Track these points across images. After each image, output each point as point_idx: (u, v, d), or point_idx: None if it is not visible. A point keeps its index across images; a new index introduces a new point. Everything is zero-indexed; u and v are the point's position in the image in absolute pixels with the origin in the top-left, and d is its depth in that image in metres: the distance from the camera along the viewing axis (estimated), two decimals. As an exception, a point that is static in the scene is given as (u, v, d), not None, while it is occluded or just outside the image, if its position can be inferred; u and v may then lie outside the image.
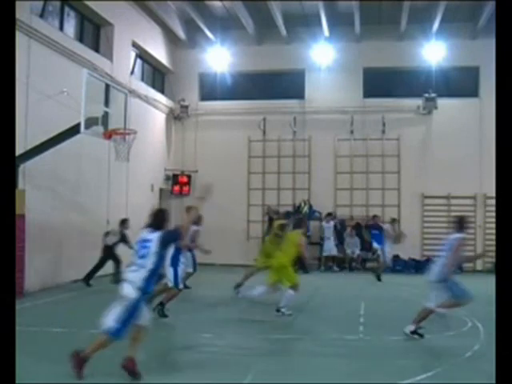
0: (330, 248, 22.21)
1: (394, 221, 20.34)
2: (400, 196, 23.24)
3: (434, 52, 22.99)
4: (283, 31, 23.27)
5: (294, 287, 12.03)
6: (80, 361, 6.90)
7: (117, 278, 16.36)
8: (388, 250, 19.37)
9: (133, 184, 20.36)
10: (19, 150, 11.76)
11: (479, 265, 22.38)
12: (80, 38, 18.48)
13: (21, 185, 13.40)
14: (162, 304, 11.34)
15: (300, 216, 13.89)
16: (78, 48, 17.30)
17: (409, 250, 22.01)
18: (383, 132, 23.23)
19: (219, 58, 23.90)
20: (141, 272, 6.92)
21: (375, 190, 23.22)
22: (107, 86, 14.36)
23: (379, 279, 18.80)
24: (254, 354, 8.55)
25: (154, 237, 7.03)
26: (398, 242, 19.79)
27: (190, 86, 24.96)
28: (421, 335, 9.56)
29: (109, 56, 19.28)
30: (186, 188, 23.89)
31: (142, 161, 20.69)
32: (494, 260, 22.76)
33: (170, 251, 10.79)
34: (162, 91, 24.24)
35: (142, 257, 7.01)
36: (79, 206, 17.41)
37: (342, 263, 21.98)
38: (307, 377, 7.32)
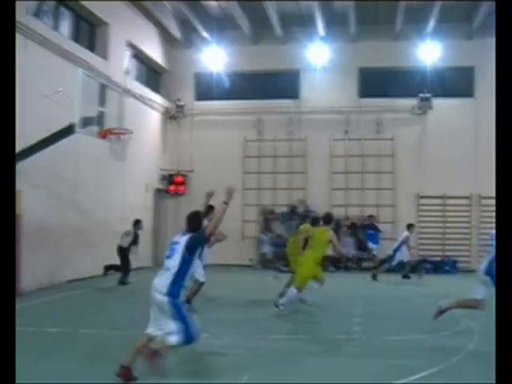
0: None
1: (411, 226, 19.87)
2: (395, 196, 23.27)
3: (429, 52, 23.04)
4: (279, 31, 23.29)
5: (320, 280, 12.29)
6: (155, 359, 6.65)
7: (124, 280, 16.45)
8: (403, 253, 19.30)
9: (128, 184, 20.37)
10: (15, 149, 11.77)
11: (475, 265, 22.36)
12: (75, 37, 18.46)
13: (17, 184, 13.36)
14: (188, 301, 11.18)
15: (329, 212, 13.81)
16: (73, 48, 17.28)
17: (404, 250, 22.02)
18: (378, 132, 23.30)
19: (215, 57, 23.89)
20: (166, 276, 6.73)
21: (370, 190, 23.26)
22: (103, 86, 14.34)
23: (375, 279, 18.82)
24: (251, 354, 8.53)
25: (183, 240, 6.87)
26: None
27: (186, 85, 24.96)
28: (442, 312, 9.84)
29: (104, 56, 19.27)
30: (181, 188, 23.89)
31: (138, 160, 20.66)
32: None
33: None
34: (157, 91, 24.21)
35: (168, 257, 6.86)
36: (76, 205, 17.39)
37: (337, 263, 22.01)
38: (304, 377, 7.30)
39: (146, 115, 22.62)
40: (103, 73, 17.94)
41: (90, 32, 19.49)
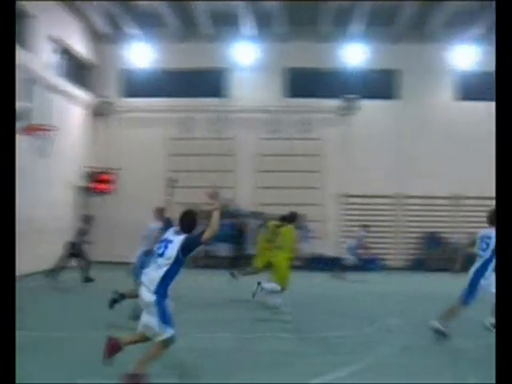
0: None
1: (366, 226, 20.36)
2: (322, 195, 23.55)
3: (356, 54, 23.55)
4: (207, 29, 23.24)
5: (282, 285, 12.38)
6: (138, 379, 6.42)
7: (86, 276, 16.02)
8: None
9: (53, 181, 19.89)
10: None
11: (400, 262, 22.92)
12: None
13: None
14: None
15: (293, 211, 13.75)
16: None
17: (332, 248, 22.39)
18: (306, 132, 23.51)
19: (143, 54, 23.67)
20: (157, 272, 6.58)
21: (298, 189, 23.44)
22: (26, 80, 13.97)
23: (339, 277, 19.03)
24: (207, 354, 8.40)
25: (177, 239, 6.69)
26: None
27: (114, 82, 24.58)
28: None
29: (28, 49, 18.73)
30: (107, 186, 23.51)
31: (63, 158, 20.22)
32: (413, 257, 23.48)
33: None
34: (84, 87, 23.73)
35: (160, 255, 6.66)
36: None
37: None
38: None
39: (72, 111, 22.16)
40: (27, 67, 17.43)
41: (13, 24, 18.89)
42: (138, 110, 24.10)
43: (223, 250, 22.22)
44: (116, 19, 22.85)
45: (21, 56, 17.69)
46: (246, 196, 23.30)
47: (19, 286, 14.96)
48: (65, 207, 20.51)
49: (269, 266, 12.97)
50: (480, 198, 23.77)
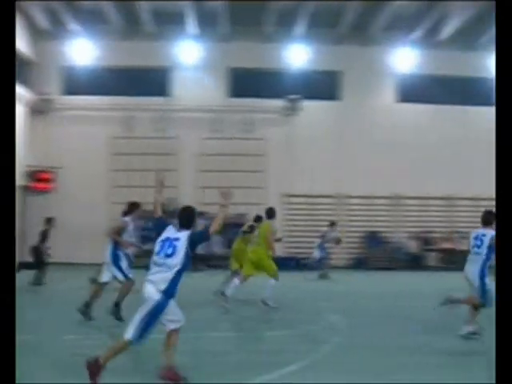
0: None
1: (333, 224, 20.50)
2: (265, 195, 23.61)
3: (299, 55, 23.77)
4: (151, 28, 23.08)
5: (275, 276, 12.24)
6: (97, 369, 6.27)
7: (38, 279, 15.70)
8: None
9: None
10: None
11: (342, 260, 23.12)
12: None
13: None
14: (117, 305, 10.50)
15: (271, 207, 13.65)
16: None
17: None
18: (249, 131, 23.59)
19: (85, 51, 23.34)
20: (166, 273, 6.44)
21: (241, 189, 23.40)
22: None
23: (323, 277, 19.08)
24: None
25: (182, 235, 6.56)
26: (338, 244, 20.36)
27: (55, 79, 24.15)
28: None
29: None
30: (47, 185, 23.09)
31: None
32: (355, 256, 23.79)
33: (109, 248, 10.55)
34: (23, 84, 23.16)
35: (168, 256, 6.50)
36: None
37: (207, 261, 21.98)
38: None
39: (10, 108, 21.64)
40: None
41: None
42: (79, 108, 23.74)
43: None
44: (57, 15, 22.45)
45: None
46: (188, 195, 23.14)
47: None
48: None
49: (241, 267, 12.97)
50: (420, 197, 24.36)
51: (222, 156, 23.53)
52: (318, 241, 20.13)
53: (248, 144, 23.54)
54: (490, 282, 8.88)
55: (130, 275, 10.65)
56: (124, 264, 10.69)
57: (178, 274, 6.47)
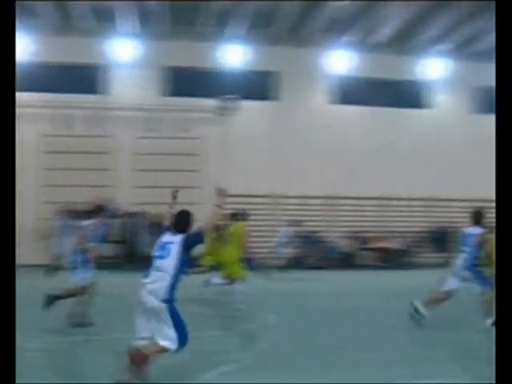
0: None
1: (297, 223, 20.90)
2: (201, 194, 23.48)
3: (235, 55, 23.76)
4: (86, 23, 22.66)
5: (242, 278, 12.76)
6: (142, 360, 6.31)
7: None
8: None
9: None
10: None
11: (277, 261, 23.18)
12: None
13: None
14: (79, 312, 10.24)
15: (243, 209, 13.75)
16: None
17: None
18: (185, 131, 23.44)
19: (17, 46, 22.67)
20: (162, 279, 6.45)
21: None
22: None
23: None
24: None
25: (176, 239, 6.59)
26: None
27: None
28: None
29: None
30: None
31: None
32: (289, 256, 23.89)
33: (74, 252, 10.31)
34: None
35: (161, 257, 6.55)
36: None
37: (140, 261, 21.69)
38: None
39: None
40: None
41: None
42: (10, 105, 23.08)
43: (109, 250, 21.68)
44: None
45: None
46: (124, 195, 22.86)
47: None
48: None
49: (217, 264, 13.06)
50: (355, 198, 24.71)
51: (157, 155, 23.29)
52: (277, 240, 20.34)
53: (184, 143, 23.38)
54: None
55: (89, 282, 10.41)
56: (85, 270, 10.39)
57: (175, 277, 6.48)
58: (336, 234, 24.39)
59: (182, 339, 6.44)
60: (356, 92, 25.36)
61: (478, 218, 10.16)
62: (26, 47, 22.63)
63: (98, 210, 10.78)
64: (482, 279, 9.81)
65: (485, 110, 26.77)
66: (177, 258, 6.51)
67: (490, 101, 26.74)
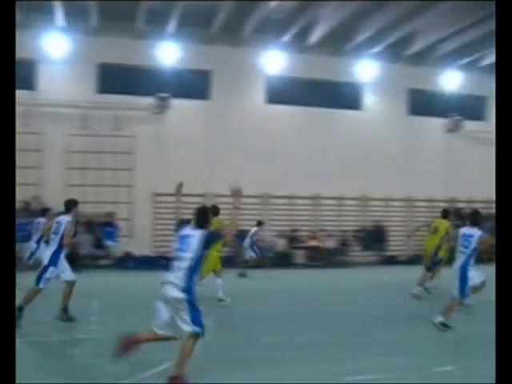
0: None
1: (260, 223, 20.98)
2: (133, 193, 23.32)
3: (170, 53, 23.62)
4: (16, 17, 22.06)
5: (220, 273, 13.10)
6: (181, 380, 6.50)
7: None
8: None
9: None
10: None
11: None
12: None
13: None
14: (65, 309, 10.30)
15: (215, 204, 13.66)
16: None
17: (141, 246, 22.27)
18: (117, 129, 23.17)
19: None
20: (180, 270, 6.62)
21: (108, 187, 22.97)
22: None
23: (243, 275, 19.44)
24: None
25: (197, 234, 6.74)
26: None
27: None
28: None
29: None
30: None
31: None
32: (227, 255, 23.95)
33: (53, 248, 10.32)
34: None
35: (181, 250, 6.73)
36: None
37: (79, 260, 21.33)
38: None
39: None
40: None
41: None
42: None
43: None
44: None
45: None
46: (54, 193, 22.36)
47: None
48: None
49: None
50: (288, 197, 24.97)
51: (89, 153, 22.92)
52: (247, 241, 20.36)
53: (116, 141, 23.10)
54: (472, 277, 9.89)
55: (72, 277, 10.48)
56: (66, 265, 10.46)
57: (191, 270, 6.65)
58: (271, 233, 24.57)
59: (203, 327, 6.63)
60: (289, 92, 25.63)
61: (475, 218, 10.16)
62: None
63: (71, 206, 11.06)
64: (464, 285, 9.80)
65: (418, 112, 27.52)
66: (195, 251, 6.68)
67: (423, 103, 27.55)
